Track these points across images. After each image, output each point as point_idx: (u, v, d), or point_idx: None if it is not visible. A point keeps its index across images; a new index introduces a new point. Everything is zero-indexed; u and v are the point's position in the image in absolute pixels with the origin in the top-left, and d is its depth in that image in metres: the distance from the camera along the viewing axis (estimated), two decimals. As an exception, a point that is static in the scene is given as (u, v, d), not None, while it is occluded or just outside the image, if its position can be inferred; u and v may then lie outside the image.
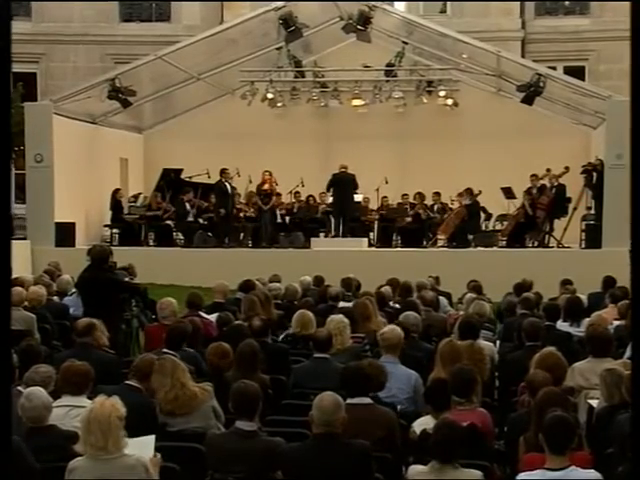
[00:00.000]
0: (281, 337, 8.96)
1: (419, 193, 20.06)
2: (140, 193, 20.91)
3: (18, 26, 22.49)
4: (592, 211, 18.20)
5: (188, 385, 6.04)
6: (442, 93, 21.17)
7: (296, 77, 21.60)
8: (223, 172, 18.88)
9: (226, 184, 18.85)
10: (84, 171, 19.81)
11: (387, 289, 11.23)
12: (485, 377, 6.99)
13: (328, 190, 19.45)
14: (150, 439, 5.17)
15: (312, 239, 19.11)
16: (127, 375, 6.29)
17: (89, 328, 7.43)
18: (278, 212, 20.09)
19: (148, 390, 6.13)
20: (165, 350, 7.08)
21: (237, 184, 19.71)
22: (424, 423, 5.57)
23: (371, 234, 20.58)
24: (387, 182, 19.88)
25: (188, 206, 19.56)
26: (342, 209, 19.15)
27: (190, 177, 20.19)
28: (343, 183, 18.86)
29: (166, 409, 6.01)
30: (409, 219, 19.91)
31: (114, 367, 7.19)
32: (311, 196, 20.47)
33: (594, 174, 17.87)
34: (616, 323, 8.91)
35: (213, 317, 9.18)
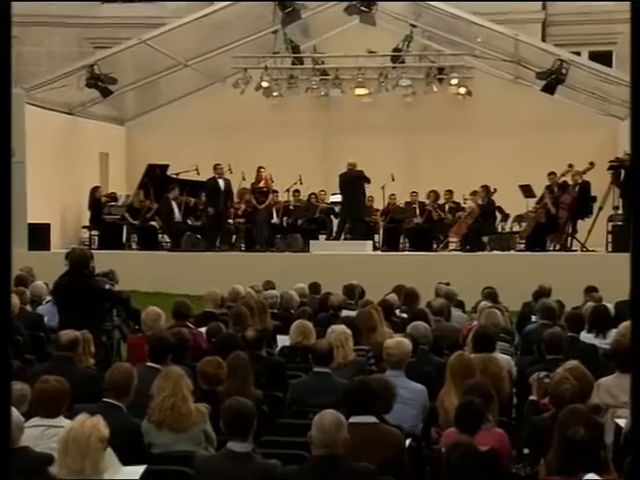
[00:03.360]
0: (277, 349, 8.98)
1: (433, 191, 20.05)
2: (113, 193, 20.87)
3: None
4: (620, 211, 18.20)
5: (188, 400, 6.08)
6: (454, 81, 21.20)
7: (294, 64, 21.64)
8: (215, 168, 18.91)
9: (219, 181, 18.88)
10: (60, 167, 19.82)
11: (393, 297, 11.24)
12: (504, 393, 7.00)
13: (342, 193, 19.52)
14: (138, 470, 5.18)
15: (311, 242, 19.13)
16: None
17: (74, 344, 7.41)
18: (274, 212, 20.10)
19: (129, 408, 6.13)
20: (149, 364, 7.09)
21: (232, 181, 19.66)
22: None
23: (376, 236, 20.59)
24: (394, 179, 19.88)
25: (175, 205, 19.57)
26: (347, 211, 19.19)
27: (177, 174, 20.20)
28: (349, 182, 18.90)
29: (157, 418, 6.02)
30: (418, 220, 19.92)
31: (94, 383, 7.17)
32: (311, 194, 20.47)
33: (622, 170, 17.88)
34: (647, 334, 8.89)
35: (203, 329, 9.18)
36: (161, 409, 6.03)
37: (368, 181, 18.98)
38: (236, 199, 20.19)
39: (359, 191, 19.06)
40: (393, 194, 20.32)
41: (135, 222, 19.78)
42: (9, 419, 2.79)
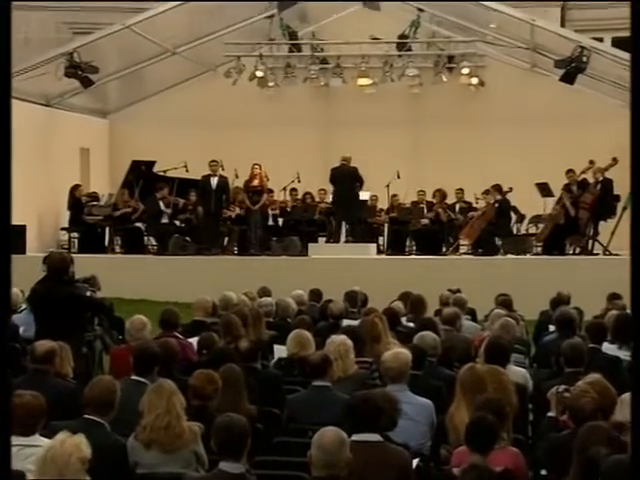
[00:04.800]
0: (273, 362, 8.99)
1: (439, 190, 20.05)
2: (95, 192, 20.85)
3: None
4: (645, 211, 18.21)
5: (182, 419, 6.08)
6: (465, 70, 21.21)
7: (291, 51, 21.63)
8: (209, 165, 18.89)
9: (211, 179, 18.83)
10: (37, 164, 19.81)
11: (399, 305, 11.25)
12: (512, 408, 7.00)
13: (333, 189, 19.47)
14: None
15: (310, 245, 19.13)
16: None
17: (50, 355, 7.41)
18: (270, 213, 20.11)
19: (113, 424, 6.13)
20: (134, 377, 7.10)
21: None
22: None
23: (380, 239, 20.60)
24: (399, 177, 19.89)
25: (162, 205, 19.59)
26: (341, 210, 19.15)
27: (164, 171, 20.21)
28: (342, 179, 18.86)
29: (148, 436, 6.00)
30: (426, 221, 19.93)
31: (73, 398, 7.18)
32: (309, 194, 20.47)
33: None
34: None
35: (192, 339, 9.18)
36: (153, 428, 6.01)
37: (361, 181, 18.87)
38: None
39: (354, 189, 18.99)
40: (395, 194, 20.30)
41: (117, 212, 19.67)
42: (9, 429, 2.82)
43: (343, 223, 19.61)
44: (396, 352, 7.31)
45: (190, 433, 6.08)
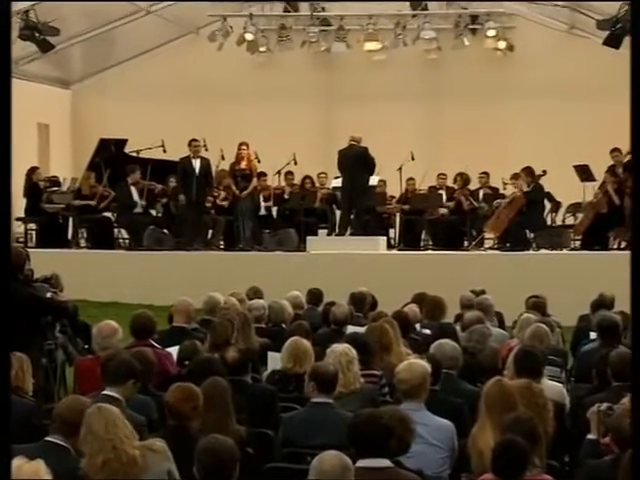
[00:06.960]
0: (266, 374, 9.01)
1: (461, 175, 20.02)
2: (55, 176, 20.82)
3: None
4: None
5: (124, 446, 5.87)
6: (491, 32, 21.22)
7: (286, 11, 21.63)
8: (190, 145, 18.83)
9: (194, 162, 18.80)
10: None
11: (413, 308, 11.26)
12: (549, 430, 7.03)
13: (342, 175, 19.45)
14: None
15: (308, 238, 19.13)
16: (49, 428, 6.27)
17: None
18: (262, 200, 20.10)
19: (77, 449, 6.13)
20: (106, 392, 7.11)
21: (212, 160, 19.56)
22: None
23: (391, 231, 20.61)
24: (413, 158, 19.88)
25: (135, 192, 19.58)
26: (348, 198, 19.12)
27: (138, 151, 20.22)
28: (349, 162, 18.83)
29: (96, 479, 5.92)
30: (444, 210, 19.93)
31: (31, 417, 7.20)
32: (307, 178, 20.46)
33: None
34: None
35: (171, 349, 9.19)
36: (94, 469, 5.84)
37: (372, 164, 18.78)
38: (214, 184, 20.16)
39: (364, 173, 18.95)
40: (412, 178, 20.28)
41: (89, 203, 19.64)
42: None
43: (348, 213, 19.53)
44: (411, 363, 7.30)
45: (151, 453, 5.93)
